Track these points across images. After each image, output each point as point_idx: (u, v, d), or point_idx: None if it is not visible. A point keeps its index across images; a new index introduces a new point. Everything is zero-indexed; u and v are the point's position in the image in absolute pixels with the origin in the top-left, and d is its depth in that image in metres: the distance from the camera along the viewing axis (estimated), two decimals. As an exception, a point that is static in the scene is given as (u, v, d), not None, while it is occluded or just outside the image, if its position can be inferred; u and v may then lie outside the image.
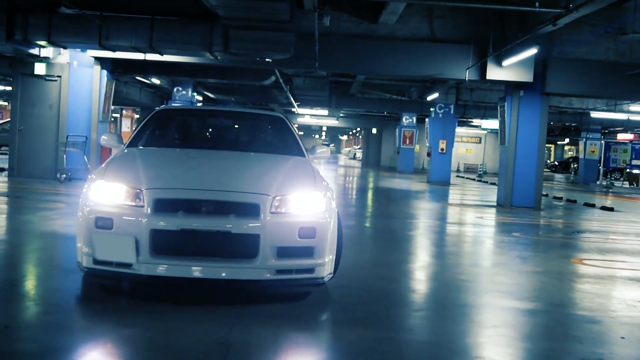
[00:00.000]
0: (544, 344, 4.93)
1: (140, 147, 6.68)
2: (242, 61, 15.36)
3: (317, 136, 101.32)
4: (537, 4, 11.43)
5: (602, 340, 5.12)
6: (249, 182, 5.65)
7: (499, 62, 15.26)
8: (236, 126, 8.20)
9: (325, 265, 5.54)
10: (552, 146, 69.18)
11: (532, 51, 13.55)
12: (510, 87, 16.33)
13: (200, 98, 32.13)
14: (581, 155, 39.46)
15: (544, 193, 22.71)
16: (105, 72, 16.58)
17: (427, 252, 9.34)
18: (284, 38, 13.00)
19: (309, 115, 44.26)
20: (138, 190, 5.24)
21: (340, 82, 29.50)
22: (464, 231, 11.83)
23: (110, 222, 5.12)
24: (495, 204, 17.26)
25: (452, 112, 27.57)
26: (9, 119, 33.94)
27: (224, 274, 5.18)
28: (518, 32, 14.13)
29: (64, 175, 15.82)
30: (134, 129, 7.91)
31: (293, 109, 39.00)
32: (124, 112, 45.33)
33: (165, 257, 5.11)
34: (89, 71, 16.31)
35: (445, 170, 27.29)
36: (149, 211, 5.13)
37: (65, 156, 15.95)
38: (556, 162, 56.63)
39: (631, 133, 39.70)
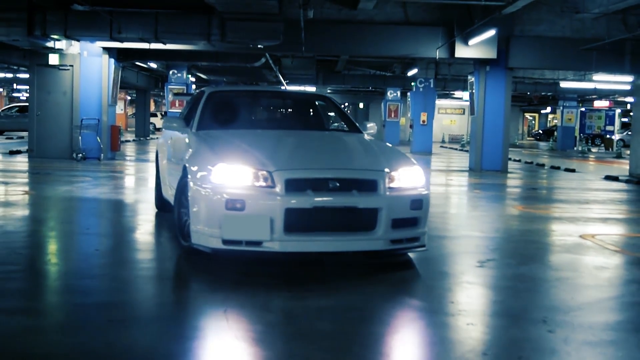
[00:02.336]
0: (474, 257, 6.83)
1: (219, 130, 6.81)
2: (237, 47, 17.19)
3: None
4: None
5: (499, 248, 7.04)
6: (361, 159, 6.17)
7: (465, 42, 17.10)
8: (293, 106, 8.51)
9: (426, 233, 6.06)
10: (537, 115, 71.10)
11: (492, 32, 15.44)
12: (478, 63, 18.20)
13: (194, 79, 33.81)
14: (559, 123, 41.45)
15: (517, 158, 24.67)
16: (112, 60, 18.34)
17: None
18: (274, 27, 14.81)
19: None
20: (266, 172, 5.48)
21: (327, 61, 31.16)
22: (435, 190, 13.75)
23: (242, 204, 5.35)
24: (467, 168, 19.20)
25: (432, 86, 29.41)
26: (10, 105, 35.66)
27: (350, 247, 5.62)
28: (482, 14, 15.96)
29: (80, 155, 17.65)
30: (184, 109, 8.42)
31: (282, 87, 40.72)
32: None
33: (296, 233, 5.41)
34: (97, 60, 18.03)
35: (427, 140, 29.23)
36: (281, 191, 5.39)
37: (80, 138, 17.76)
38: (540, 131, 58.49)
39: (606, 100, 41.66)
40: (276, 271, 5.66)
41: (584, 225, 8.99)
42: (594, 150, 37.10)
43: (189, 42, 16.72)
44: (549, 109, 59.37)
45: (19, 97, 57.18)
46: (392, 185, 5.71)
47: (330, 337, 4.09)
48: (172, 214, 6.72)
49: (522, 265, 6.34)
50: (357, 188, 5.56)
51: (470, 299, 5.10)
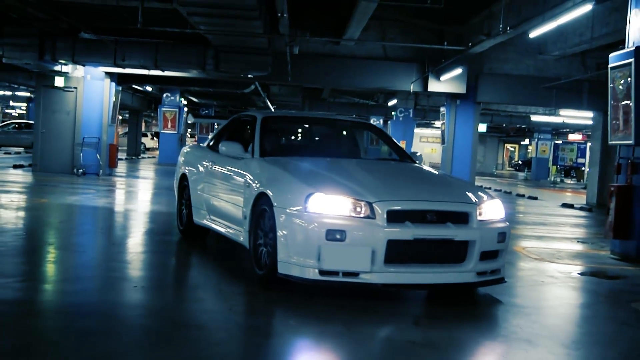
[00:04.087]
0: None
1: (286, 157, 6.84)
2: (228, 76, 18.79)
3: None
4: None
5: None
6: (451, 191, 6.16)
7: (437, 77, 18.80)
8: (347, 133, 8.39)
9: (504, 265, 6.13)
10: (517, 146, 73.11)
11: (459, 70, 17.17)
12: (449, 97, 19.89)
13: (186, 102, 35.40)
14: (533, 155, 43.29)
15: (489, 186, 26.32)
16: (113, 84, 19.86)
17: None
18: (264, 60, 16.45)
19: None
20: (365, 202, 5.48)
21: (313, 89, 32.77)
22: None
23: (343, 234, 5.32)
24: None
25: (411, 115, 31.16)
26: (8, 122, 37.01)
27: (442, 279, 5.64)
28: (453, 53, 17.65)
29: (81, 170, 19.10)
30: (216, 133, 8.43)
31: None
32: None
33: (394, 265, 5.42)
34: (100, 83, 19.53)
35: (405, 167, 30.85)
36: (383, 222, 5.40)
37: (81, 154, 19.22)
38: (520, 161, 60.29)
39: (579, 133, 43.56)
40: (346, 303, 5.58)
41: (521, 240, 10.54)
42: (567, 181, 38.96)
43: (186, 70, 18.30)
44: (527, 141, 61.40)
45: (11, 113, 58.59)
46: (481, 218, 5.79)
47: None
48: (213, 236, 7.33)
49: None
50: (452, 220, 5.62)
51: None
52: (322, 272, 5.36)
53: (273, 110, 37.81)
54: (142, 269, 6.79)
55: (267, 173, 6.30)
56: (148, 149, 49.89)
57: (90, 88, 19.53)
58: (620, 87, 8.99)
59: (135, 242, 8.45)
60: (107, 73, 19.44)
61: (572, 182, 39.00)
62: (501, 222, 6.00)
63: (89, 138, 19.33)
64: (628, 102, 8.82)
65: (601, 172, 19.52)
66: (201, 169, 8.00)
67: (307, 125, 8.40)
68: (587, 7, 10.55)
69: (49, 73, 19.17)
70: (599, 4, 12.69)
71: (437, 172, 7.05)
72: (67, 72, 19.31)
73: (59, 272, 6.52)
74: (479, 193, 6.14)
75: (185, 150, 9.06)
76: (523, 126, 38.91)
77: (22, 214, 10.39)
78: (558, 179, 36.76)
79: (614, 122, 9.21)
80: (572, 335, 5.38)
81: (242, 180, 6.63)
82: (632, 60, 8.68)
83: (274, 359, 4.29)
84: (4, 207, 10.80)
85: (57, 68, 18.71)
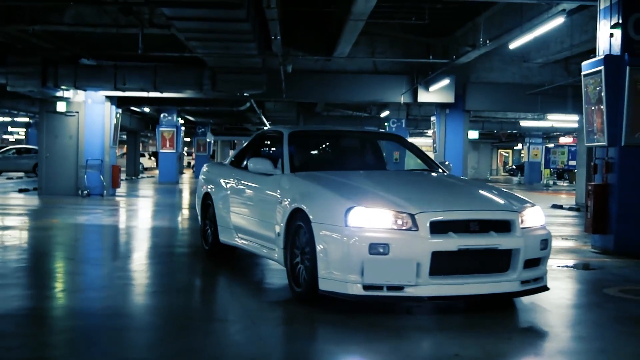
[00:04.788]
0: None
1: (318, 171, 6.72)
2: (225, 95, 19.47)
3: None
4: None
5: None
6: (491, 200, 6.06)
7: (426, 88, 19.52)
8: (373, 146, 8.20)
9: (546, 273, 6.07)
10: (510, 151, 73.95)
11: (446, 81, 17.90)
12: (438, 107, 20.60)
13: (182, 121, 36.04)
14: (525, 159, 44.04)
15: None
16: (114, 107, 20.52)
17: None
18: (259, 79, 17.15)
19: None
20: (407, 214, 5.40)
21: (307, 103, 33.50)
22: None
23: (386, 247, 5.25)
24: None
25: (403, 125, 31.77)
26: (8, 147, 37.65)
27: (487, 289, 5.54)
28: (441, 64, 18.36)
29: (85, 192, 19.73)
30: (239, 150, 8.42)
31: (264, 128, 43.12)
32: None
33: (439, 277, 5.34)
34: (100, 107, 20.16)
35: (400, 176, 31.51)
36: (426, 234, 5.33)
37: (85, 176, 19.86)
38: (514, 166, 61.05)
39: (570, 137, 44.34)
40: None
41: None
42: (561, 183, 39.65)
43: (184, 91, 18.97)
44: (520, 145, 62.21)
45: (8, 138, 59.22)
46: (523, 225, 5.73)
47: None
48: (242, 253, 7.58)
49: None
50: (494, 229, 5.56)
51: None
52: (365, 287, 5.30)
53: (269, 125, 38.54)
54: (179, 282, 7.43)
55: (301, 188, 6.24)
56: (146, 169, 50.50)
57: (91, 112, 20.15)
58: (593, 93, 9.68)
59: (162, 259, 9.06)
60: (107, 96, 20.08)
61: (565, 184, 39.72)
62: (543, 229, 5.97)
63: (92, 160, 19.95)
64: (600, 106, 9.50)
65: (588, 173, 20.17)
66: (226, 186, 7.90)
67: (334, 139, 8.23)
68: (560, 20, 11.28)
69: (51, 99, 19.81)
70: (572, 15, 13.46)
71: (472, 181, 7.05)
72: (69, 97, 19.94)
73: (85, 283, 7.16)
74: (519, 200, 6.09)
75: (206, 169, 8.94)
76: (514, 132, 39.70)
77: (39, 233, 11.03)
78: (551, 182, 37.48)
79: (588, 125, 9.90)
80: (545, 317, 5.95)
81: (274, 196, 6.56)
82: (602, 67, 9.37)
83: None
84: (20, 229, 11.45)
85: (59, 94, 19.35)
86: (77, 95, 20.13)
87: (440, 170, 7.36)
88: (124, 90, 18.40)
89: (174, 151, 31.24)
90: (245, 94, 18.58)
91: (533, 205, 6.06)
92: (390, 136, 8.60)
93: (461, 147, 20.60)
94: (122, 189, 24.14)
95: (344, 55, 18.17)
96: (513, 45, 13.98)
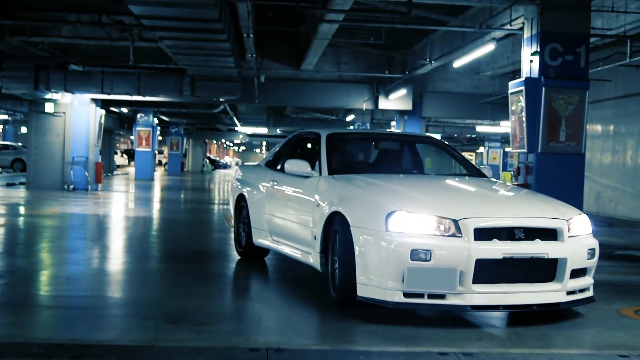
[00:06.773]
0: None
1: (356, 174, 6.53)
2: (203, 100, 21.26)
3: (257, 150, 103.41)
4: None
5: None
6: (536, 207, 5.80)
7: (387, 96, 21.48)
8: (412, 150, 7.80)
9: (592, 283, 5.71)
10: (474, 154, 76.28)
11: (403, 91, 19.91)
12: (398, 113, 22.59)
13: (157, 121, 37.55)
14: (484, 162, 46.28)
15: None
16: (98, 108, 22.11)
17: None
18: (234, 86, 18.96)
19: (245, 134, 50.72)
20: (450, 220, 5.20)
21: (277, 106, 35.29)
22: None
23: (429, 254, 5.05)
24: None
25: (368, 128, 33.67)
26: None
27: (532, 299, 5.28)
28: (401, 75, 20.29)
29: (71, 186, 21.31)
30: (273, 152, 8.31)
31: (235, 128, 44.89)
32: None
33: (482, 285, 5.13)
34: (86, 108, 21.66)
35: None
36: (469, 241, 5.12)
37: (71, 172, 21.43)
38: (476, 169, 62.97)
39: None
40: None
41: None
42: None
43: (165, 96, 20.70)
44: (482, 149, 64.45)
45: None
46: (570, 233, 5.49)
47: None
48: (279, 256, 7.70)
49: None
50: (540, 237, 5.35)
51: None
52: (406, 295, 5.12)
53: (239, 125, 40.15)
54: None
55: (339, 191, 6.08)
56: (119, 166, 51.80)
57: (77, 113, 21.62)
58: (516, 108, 11.65)
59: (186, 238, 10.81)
60: (92, 99, 21.66)
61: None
62: (590, 238, 5.72)
63: (77, 157, 21.51)
64: (522, 119, 11.46)
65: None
66: (261, 188, 7.74)
67: (372, 142, 8.03)
68: (491, 46, 13.29)
69: (39, 100, 21.35)
70: (511, 37, 15.45)
71: (515, 186, 7.00)
72: (57, 99, 21.48)
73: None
74: (566, 207, 5.86)
75: (241, 170, 8.84)
76: (473, 135, 41.80)
77: (49, 221, 12.69)
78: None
79: (512, 135, 11.87)
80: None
81: (311, 199, 6.42)
82: (522, 87, 11.34)
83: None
84: (27, 216, 13.09)
85: (48, 96, 20.91)
86: (64, 97, 21.61)
87: (480, 175, 7.08)
88: (110, 94, 20.05)
89: (150, 150, 32.76)
90: (221, 99, 20.35)
91: (580, 213, 5.84)
92: (428, 140, 8.38)
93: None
94: (102, 184, 25.75)
95: (312, 67, 20.03)
96: (457, 64, 15.94)
